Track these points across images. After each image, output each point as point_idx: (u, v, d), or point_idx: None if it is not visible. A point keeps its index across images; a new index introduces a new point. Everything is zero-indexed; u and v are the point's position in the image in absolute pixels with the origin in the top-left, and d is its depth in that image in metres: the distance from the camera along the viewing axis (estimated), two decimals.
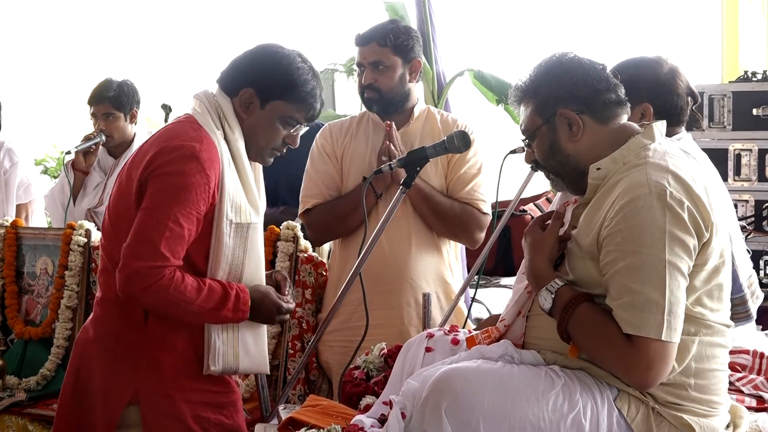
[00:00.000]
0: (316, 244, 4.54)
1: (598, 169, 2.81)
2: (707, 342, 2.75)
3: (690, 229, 2.65)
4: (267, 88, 3.28)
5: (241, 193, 3.26)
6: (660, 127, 2.88)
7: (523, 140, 2.99)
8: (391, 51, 4.25)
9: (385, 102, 4.27)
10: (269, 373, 3.44)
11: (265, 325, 3.41)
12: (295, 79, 3.28)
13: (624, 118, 2.89)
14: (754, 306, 3.16)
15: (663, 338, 2.60)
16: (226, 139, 3.26)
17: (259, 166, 3.44)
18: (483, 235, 4.28)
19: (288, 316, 3.40)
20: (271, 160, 3.40)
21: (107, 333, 3.31)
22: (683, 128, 3.67)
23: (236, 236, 3.25)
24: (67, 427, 3.38)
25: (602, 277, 2.71)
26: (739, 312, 3.03)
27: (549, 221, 2.92)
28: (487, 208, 4.26)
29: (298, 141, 3.36)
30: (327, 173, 4.33)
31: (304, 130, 3.37)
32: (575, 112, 2.85)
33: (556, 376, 2.73)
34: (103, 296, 3.33)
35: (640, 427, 2.72)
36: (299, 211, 4.38)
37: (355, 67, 4.47)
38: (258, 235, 3.33)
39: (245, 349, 3.32)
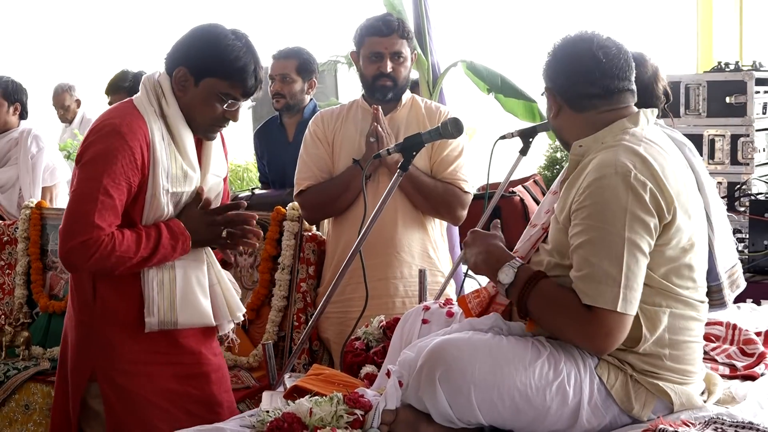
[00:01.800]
0: (310, 222, 4.55)
1: (580, 146, 2.83)
2: (680, 315, 2.74)
3: (651, 210, 2.64)
4: (199, 66, 3.15)
5: (179, 163, 3.17)
6: (648, 114, 2.87)
7: (542, 94, 3.02)
8: (407, 43, 4.25)
9: (398, 91, 4.27)
10: (213, 324, 3.33)
11: (207, 278, 3.31)
12: (226, 56, 3.13)
13: (604, 109, 2.83)
14: (731, 294, 3.14)
15: (618, 310, 2.60)
16: (163, 114, 3.17)
17: (213, 141, 3.34)
18: (465, 212, 4.29)
19: (236, 222, 3.29)
20: (215, 135, 3.29)
21: (71, 317, 3.31)
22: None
23: (170, 202, 3.18)
24: (59, 397, 3.41)
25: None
26: (714, 299, 3.02)
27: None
28: (468, 187, 4.26)
29: (239, 116, 3.23)
30: (319, 157, 4.31)
31: (248, 104, 3.25)
32: (555, 94, 2.88)
33: (542, 346, 2.72)
34: (69, 284, 3.33)
35: (619, 394, 2.71)
36: (294, 193, 4.37)
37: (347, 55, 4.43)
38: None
39: (185, 301, 3.23)
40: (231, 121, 3.24)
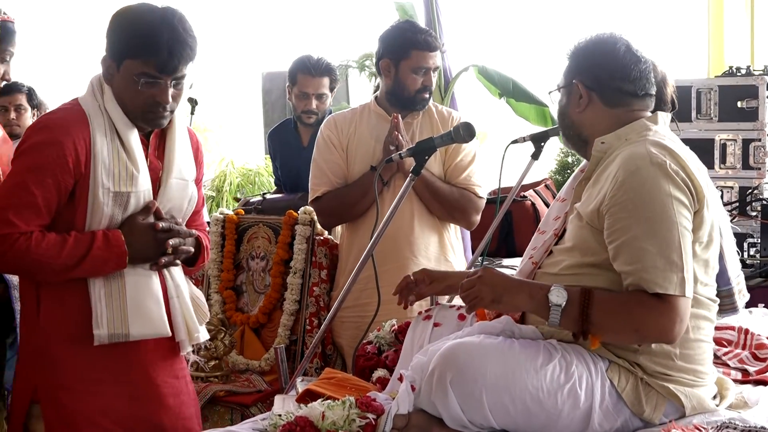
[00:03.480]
0: (326, 228, 4.56)
1: (603, 143, 2.85)
2: (693, 314, 2.74)
3: (688, 195, 2.68)
4: (115, 49, 2.96)
5: (123, 161, 2.97)
6: (665, 117, 2.92)
7: (549, 92, 3.05)
8: (438, 55, 4.29)
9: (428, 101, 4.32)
10: (169, 334, 3.08)
11: (159, 288, 3.07)
12: (135, 33, 2.91)
13: (635, 108, 2.88)
14: (741, 301, 3.16)
15: (687, 295, 2.62)
16: (106, 109, 2.99)
17: (178, 139, 3.14)
18: (479, 217, 4.31)
19: (175, 241, 3.07)
20: (160, 122, 3.03)
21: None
22: None
23: (114, 204, 2.97)
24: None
25: (605, 242, 2.71)
26: (725, 304, 3.03)
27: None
28: (482, 192, 4.29)
29: (169, 97, 2.97)
30: (334, 162, 4.32)
31: (188, 85, 3.03)
32: (587, 87, 2.88)
33: (554, 349, 2.72)
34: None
35: (629, 397, 2.72)
36: (309, 198, 4.38)
37: (368, 62, 4.44)
38: (140, 204, 3.03)
39: (137, 311, 3.00)
40: (165, 105, 2.98)
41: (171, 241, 3.06)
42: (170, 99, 2.98)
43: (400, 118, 4.18)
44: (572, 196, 2.98)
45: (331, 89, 5.27)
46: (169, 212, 3.11)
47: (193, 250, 3.16)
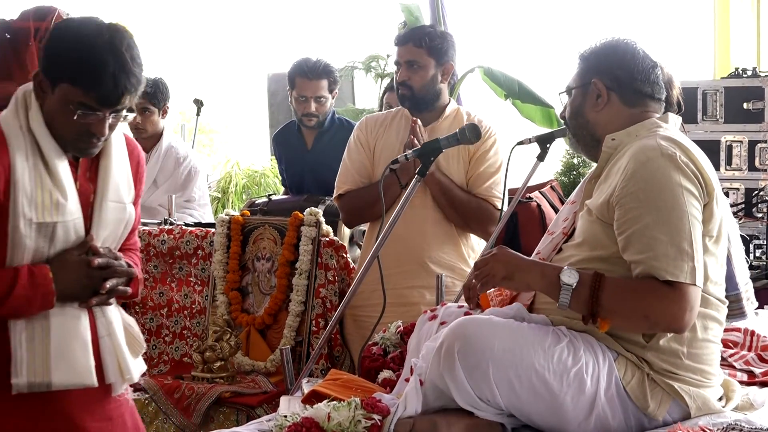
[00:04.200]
0: (348, 226, 4.63)
1: (613, 139, 2.89)
2: (702, 313, 2.75)
3: (698, 186, 2.72)
4: (51, 68, 2.64)
5: (47, 188, 2.66)
6: (675, 119, 2.96)
7: (560, 93, 3.07)
8: (426, 52, 4.27)
9: (417, 99, 4.29)
10: (95, 384, 2.74)
11: (88, 330, 2.75)
12: (77, 58, 2.59)
13: (649, 109, 2.93)
14: (749, 307, 3.17)
15: (697, 284, 2.64)
16: (30, 129, 2.67)
17: (114, 157, 2.82)
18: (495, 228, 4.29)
19: (113, 282, 2.75)
20: (90, 151, 2.73)
21: None
22: None
23: (39, 236, 2.65)
24: None
25: (615, 235, 2.73)
26: (734, 309, 3.05)
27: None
28: (500, 205, 4.27)
29: (106, 130, 2.68)
30: (360, 162, 4.37)
31: (129, 117, 2.72)
32: (606, 87, 2.92)
33: (563, 334, 2.73)
34: None
35: (634, 391, 2.72)
36: (334, 195, 4.43)
37: (374, 64, 4.46)
38: (69, 233, 2.72)
39: (61, 358, 2.68)
40: (99, 137, 2.69)
41: (108, 284, 2.75)
42: (107, 131, 2.70)
43: (419, 122, 4.21)
44: (582, 196, 2.99)
45: (330, 90, 5.26)
46: (105, 241, 2.81)
47: (130, 290, 2.84)
